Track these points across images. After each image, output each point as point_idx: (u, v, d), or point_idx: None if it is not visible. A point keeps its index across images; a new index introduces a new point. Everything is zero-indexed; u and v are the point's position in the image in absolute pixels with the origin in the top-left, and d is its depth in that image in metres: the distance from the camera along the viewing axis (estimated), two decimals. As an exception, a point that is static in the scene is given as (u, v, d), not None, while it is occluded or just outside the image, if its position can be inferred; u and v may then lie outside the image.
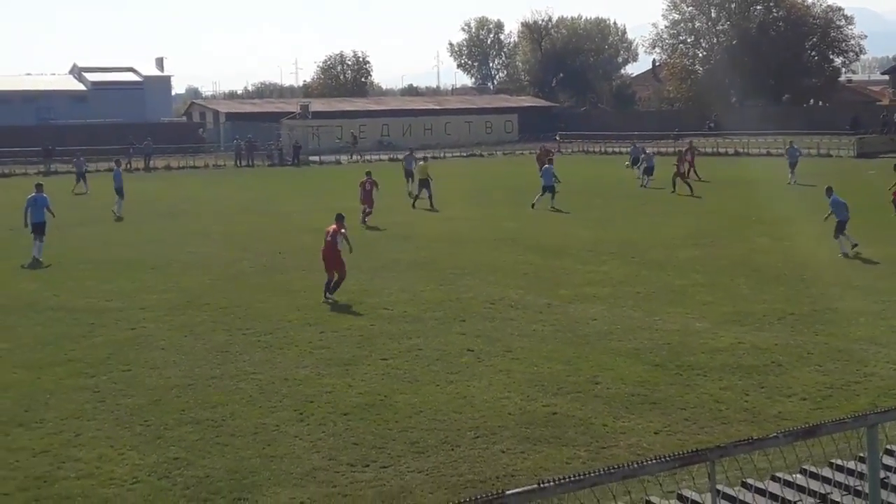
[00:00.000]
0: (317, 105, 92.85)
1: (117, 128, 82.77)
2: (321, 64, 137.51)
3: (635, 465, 4.58)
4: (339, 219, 21.96)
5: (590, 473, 4.54)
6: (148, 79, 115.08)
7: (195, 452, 11.90)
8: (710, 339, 16.66)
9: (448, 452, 11.76)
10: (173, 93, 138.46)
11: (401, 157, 57.76)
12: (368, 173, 35.56)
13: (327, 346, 16.87)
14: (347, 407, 13.48)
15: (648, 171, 45.68)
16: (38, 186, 28.64)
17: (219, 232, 32.89)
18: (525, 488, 4.42)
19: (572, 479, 4.45)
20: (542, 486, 4.38)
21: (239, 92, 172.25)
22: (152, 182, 58.01)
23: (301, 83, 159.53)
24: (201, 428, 12.78)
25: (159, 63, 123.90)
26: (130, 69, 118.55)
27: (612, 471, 4.50)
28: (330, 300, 20.61)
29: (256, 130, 79.67)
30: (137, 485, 11.00)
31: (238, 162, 72.24)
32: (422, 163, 42.08)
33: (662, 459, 4.66)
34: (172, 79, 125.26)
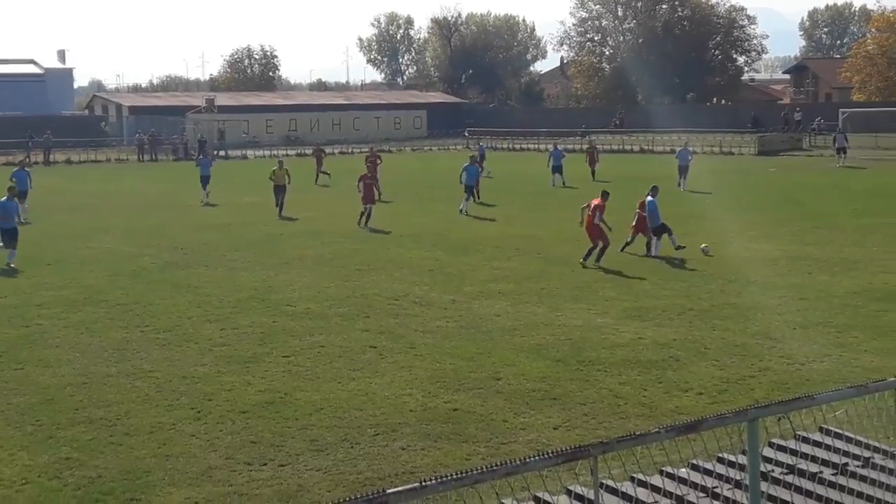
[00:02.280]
0: (223, 99, 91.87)
1: (16, 121, 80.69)
2: (228, 58, 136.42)
3: (518, 462, 4.55)
4: (605, 196, 24.34)
5: (472, 471, 4.49)
6: (49, 71, 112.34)
7: (88, 452, 11.62)
8: (612, 335, 16.81)
9: (347, 450, 11.66)
10: (76, 85, 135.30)
11: (308, 152, 57.54)
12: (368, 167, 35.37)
13: (228, 344, 16.63)
14: (246, 405, 13.30)
15: (557, 169, 45.74)
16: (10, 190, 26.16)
17: (120, 227, 32.27)
18: (406, 487, 4.35)
19: (454, 476, 4.40)
20: (423, 484, 4.32)
21: (143, 85, 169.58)
22: (52, 176, 56.65)
23: (208, 77, 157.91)
24: (95, 427, 12.49)
25: (61, 55, 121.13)
26: (31, 61, 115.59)
27: (495, 468, 4.46)
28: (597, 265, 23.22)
29: (161, 124, 78.46)
30: (27, 486, 10.70)
31: (141, 156, 71.05)
32: (275, 168, 36.63)
33: (546, 456, 4.63)
34: (75, 71, 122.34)
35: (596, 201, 24.04)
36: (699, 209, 33.89)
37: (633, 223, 25.35)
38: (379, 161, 42.76)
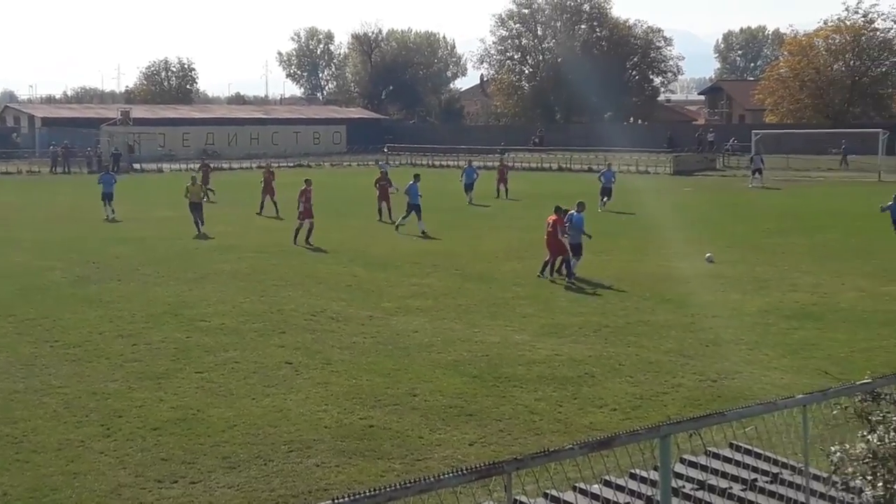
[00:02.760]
0: (139, 111, 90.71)
1: (-76, 131, 78.74)
2: (144, 70, 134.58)
3: (432, 479, 4.51)
4: (557, 209, 24.44)
5: (386, 488, 4.44)
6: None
7: (-8, 471, 11.30)
8: (528, 351, 16.87)
9: (261, 467, 11.51)
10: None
11: (226, 166, 56.99)
12: (308, 181, 32.54)
13: (140, 360, 16.33)
14: (158, 421, 13.06)
15: (470, 186, 45.33)
16: None
17: (30, 240, 31.58)
18: (316, 505, 4.30)
19: (368, 494, 4.35)
20: (335, 502, 4.26)
21: (57, 97, 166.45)
22: (-39, 187, 55.34)
23: (123, 89, 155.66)
24: (0, 444, 12.16)
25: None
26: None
27: (409, 485, 4.42)
28: (556, 279, 23.76)
29: (75, 136, 77.09)
30: (-74, 507, 10.38)
31: (54, 168, 69.72)
32: (189, 184, 35.54)
33: (460, 473, 4.60)
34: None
35: (552, 218, 24.10)
36: (615, 228, 34.26)
37: (546, 240, 24.49)
38: (272, 178, 41.30)
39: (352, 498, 4.29)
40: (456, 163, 75.85)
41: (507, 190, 48.31)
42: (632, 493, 7.01)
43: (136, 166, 71.74)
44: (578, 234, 24.57)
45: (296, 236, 30.61)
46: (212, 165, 53.60)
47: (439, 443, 12.35)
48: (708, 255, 26.80)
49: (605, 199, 41.65)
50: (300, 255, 28.15)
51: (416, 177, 35.70)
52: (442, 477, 4.56)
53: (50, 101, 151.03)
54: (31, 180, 63.05)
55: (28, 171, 69.16)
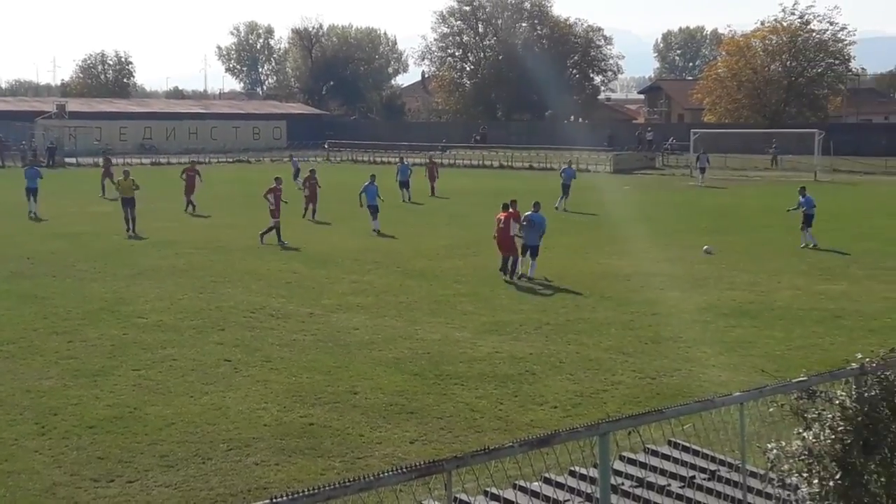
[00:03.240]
0: (75, 105, 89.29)
1: None
2: (81, 63, 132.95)
3: (372, 478, 4.49)
4: (506, 206, 24.06)
5: (325, 486, 4.41)
6: None
7: (-78, 471, 11.07)
8: (469, 349, 16.89)
9: (199, 466, 11.39)
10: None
11: (164, 160, 56.24)
12: (278, 179, 31.48)
13: (75, 357, 16.09)
14: (94, 420, 12.88)
15: (405, 184, 45.25)
16: None
17: (-37, 235, 31.01)
18: (255, 505, 4.25)
19: (306, 493, 4.31)
20: (273, 501, 4.22)
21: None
22: None
23: (59, 82, 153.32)
24: (-70, 444, 11.92)
25: None
26: None
27: (348, 484, 4.39)
28: (514, 280, 23.34)
29: (8, 129, 75.75)
30: None
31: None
32: (121, 178, 34.13)
33: (399, 471, 4.58)
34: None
35: (503, 215, 23.88)
36: (556, 225, 34.39)
37: (496, 237, 24.04)
38: (198, 175, 39.99)
39: (290, 497, 4.25)
40: (397, 160, 75.80)
41: (433, 188, 47.91)
42: (571, 490, 7.04)
43: (71, 160, 70.58)
44: (537, 236, 24.18)
45: (264, 235, 29.82)
46: (113, 161, 52.03)
47: (380, 441, 12.31)
48: (706, 247, 28.14)
49: (563, 197, 41.28)
50: (239, 252, 27.92)
51: (373, 177, 35.06)
52: (382, 475, 4.54)
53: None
54: (-36, 174, 61.79)
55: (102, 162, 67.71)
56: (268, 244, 29.19)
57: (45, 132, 75.74)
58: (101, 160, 52.88)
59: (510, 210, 24.02)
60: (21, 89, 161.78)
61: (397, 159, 51.93)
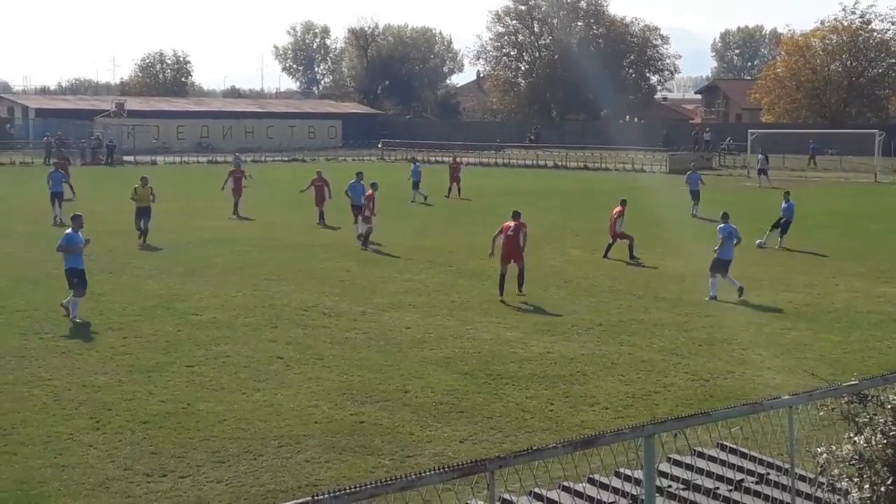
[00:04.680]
0: (134, 104, 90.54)
1: (-82, 121, 78.49)
2: (139, 62, 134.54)
3: (414, 476, 4.49)
4: (518, 215, 22.25)
5: (367, 485, 4.42)
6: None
7: (-20, 463, 11.27)
8: (520, 349, 16.85)
9: (250, 462, 11.48)
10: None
11: (221, 159, 56.49)
12: (319, 172, 31.73)
13: (130, 353, 16.29)
14: (147, 415, 13.03)
15: (416, 185, 44.28)
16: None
17: (23, 232, 31.50)
18: (297, 501, 4.27)
19: (348, 490, 4.32)
20: (315, 498, 4.24)
21: (52, 87, 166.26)
22: (-45, 178, 55.21)
23: (118, 81, 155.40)
24: (-11, 437, 12.13)
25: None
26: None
27: (390, 482, 4.40)
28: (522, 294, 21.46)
29: (68, 127, 76.96)
30: (-87, 498, 10.34)
31: (48, 159, 69.48)
32: (137, 186, 30.48)
33: (442, 470, 4.58)
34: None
35: (514, 223, 21.80)
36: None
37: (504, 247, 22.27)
38: (244, 177, 37.91)
39: (333, 494, 4.27)
40: (451, 159, 75.86)
41: (459, 189, 46.24)
42: (617, 491, 7.00)
43: (129, 158, 71.52)
44: (732, 249, 22.08)
45: (366, 239, 28.98)
46: (71, 161, 49.04)
47: (430, 439, 12.33)
48: (758, 241, 28.67)
49: (695, 204, 38.49)
50: (293, 250, 28.10)
51: (360, 175, 32.87)
52: (424, 474, 4.54)
53: (44, 92, 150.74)
54: (25, 171, 62.80)
55: (21, 161, 68.92)
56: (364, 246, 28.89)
57: (104, 130, 76.78)
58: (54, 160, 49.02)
59: (520, 220, 22.04)
60: (81, 88, 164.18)
61: (410, 159, 51.00)
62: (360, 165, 69.51)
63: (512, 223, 21.87)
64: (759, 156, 57.33)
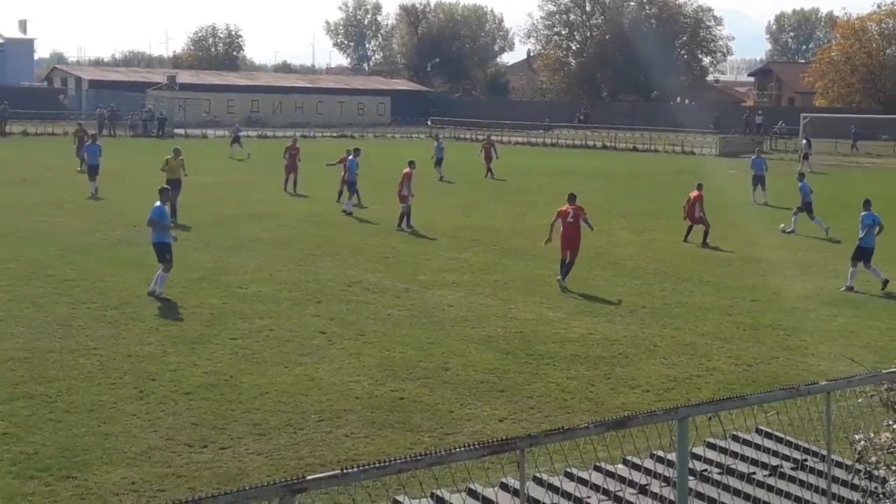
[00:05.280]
0: (185, 77, 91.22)
1: (-28, 90, 79.50)
2: (192, 36, 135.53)
3: (443, 452, 4.50)
4: (574, 198, 21.06)
5: (396, 460, 4.43)
6: (8, 41, 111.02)
7: (26, 428, 11.46)
8: (563, 329, 16.82)
9: (290, 435, 11.58)
10: (36, 57, 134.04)
11: (271, 133, 56.75)
12: (412, 162, 29.59)
13: (175, 324, 16.47)
14: (190, 386, 13.17)
15: (439, 162, 44.03)
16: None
17: (73, 202, 31.92)
18: (326, 473, 4.30)
19: (377, 465, 4.34)
20: (344, 471, 4.26)
21: (105, 59, 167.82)
22: (6, 148, 55.96)
23: (171, 54, 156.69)
24: (34, 403, 12.32)
25: (22, 25, 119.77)
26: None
27: (419, 458, 4.41)
28: (563, 284, 20.13)
29: (121, 99, 77.69)
30: (-40, 461, 10.53)
31: (100, 131, 70.26)
32: (169, 157, 30.03)
33: (472, 447, 4.59)
34: (35, 42, 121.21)
35: (571, 207, 20.82)
36: (656, 207, 34.01)
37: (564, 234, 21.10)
38: (297, 154, 36.98)
39: (361, 467, 4.29)
40: (499, 138, 75.77)
41: (490, 170, 45.28)
42: (650, 473, 6.97)
43: (180, 131, 72.00)
44: (872, 237, 21.16)
45: (402, 222, 28.05)
46: (89, 132, 46.06)
47: (469, 417, 12.36)
48: (783, 225, 29.05)
49: (758, 188, 37.73)
50: (339, 226, 28.23)
51: (356, 151, 32.64)
52: (453, 450, 4.54)
53: (98, 63, 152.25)
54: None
55: (74, 132, 69.59)
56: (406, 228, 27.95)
57: (155, 103, 77.40)
58: (75, 131, 48.01)
59: (576, 203, 21.00)
60: (134, 60, 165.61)
61: (433, 137, 50.26)
62: (408, 143, 69.65)
63: (570, 208, 20.79)
64: (803, 140, 56.64)
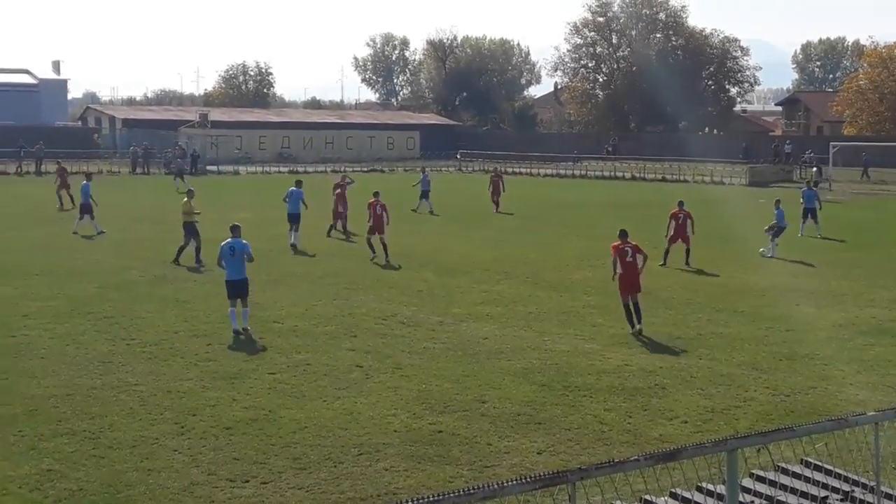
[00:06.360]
0: (216, 114, 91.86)
1: (9, 130, 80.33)
2: (223, 73, 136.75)
3: (496, 486, 4.56)
4: (625, 234, 19.75)
5: (450, 494, 4.50)
6: (43, 81, 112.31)
7: (70, 464, 11.60)
8: (598, 361, 16.83)
9: (331, 469, 11.65)
10: (70, 97, 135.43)
11: (301, 169, 56.99)
12: (377, 194, 29.36)
13: (214, 359, 16.60)
14: (230, 421, 13.28)
15: (425, 195, 43.43)
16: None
17: (109, 239, 32.24)
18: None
19: (430, 498, 4.40)
20: (402, 505, 4.33)
21: (138, 98, 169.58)
22: (42, 186, 56.46)
23: (202, 91, 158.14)
24: (77, 439, 12.47)
25: (56, 66, 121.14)
26: (25, 71, 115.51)
27: (472, 492, 4.47)
28: (637, 330, 18.83)
29: (154, 138, 78.43)
30: (7, 497, 10.68)
31: (134, 169, 70.96)
32: (186, 198, 28.27)
33: (523, 481, 4.65)
34: (69, 82, 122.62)
35: (627, 244, 19.63)
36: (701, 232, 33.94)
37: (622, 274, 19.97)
38: (344, 191, 35.23)
39: (415, 501, 4.35)
40: (528, 171, 75.94)
41: (497, 204, 43.81)
42: (698, 506, 6.99)
43: (213, 168, 72.52)
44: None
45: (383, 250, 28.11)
46: (68, 170, 46.12)
47: (508, 450, 12.38)
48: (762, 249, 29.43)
49: (808, 221, 35.65)
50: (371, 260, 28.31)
51: (299, 183, 32.43)
52: (506, 484, 4.61)
53: (131, 102, 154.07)
54: (112, 180, 64.06)
55: (109, 171, 70.33)
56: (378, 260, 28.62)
57: (188, 140, 78.10)
58: (55, 170, 46.66)
59: (629, 240, 19.82)
60: (166, 99, 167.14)
61: (419, 169, 49.20)
62: (438, 176, 69.82)
63: (628, 247, 19.47)
64: (813, 169, 56.27)
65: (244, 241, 19.78)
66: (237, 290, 19.01)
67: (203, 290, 23.10)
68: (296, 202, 31.25)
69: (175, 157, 66.65)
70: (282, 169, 73.26)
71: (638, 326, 18.94)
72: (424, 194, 43.46)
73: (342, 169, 66.71)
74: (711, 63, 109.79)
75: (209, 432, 12.83)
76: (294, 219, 31.06)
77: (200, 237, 27.46)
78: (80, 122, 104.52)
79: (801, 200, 36.71)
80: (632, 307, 19.16)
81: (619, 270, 19.39)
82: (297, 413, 13.70)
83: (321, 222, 34.35)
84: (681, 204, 28.44)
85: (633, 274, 19.41)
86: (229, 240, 19.67)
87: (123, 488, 10.96)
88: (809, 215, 35.76)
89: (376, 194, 29.31)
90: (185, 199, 28.31)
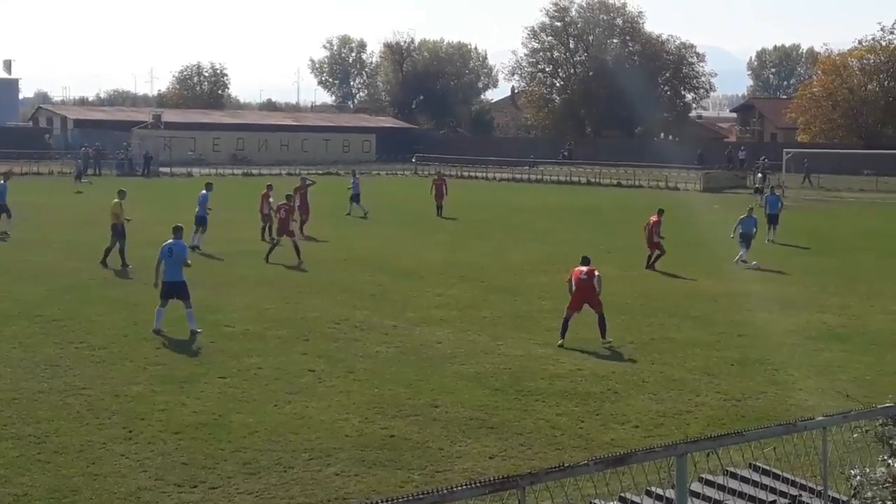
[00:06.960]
0: (170, 115, 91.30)
1: (-43, 130, 79.41)
2: (177, 74, 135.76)
3: (445, 491, 4.50)
4: (588, 261, 19.33)
5: (399, 498, 4.43)
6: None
7: (14, 469, 11.39)
8: (551, 365, 16.82)
9: (280, 474, 11.53)
10: (21, 96, 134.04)
11: (256, 171, 56.60)
12: (288, 197, 30.01)
13: (163, 363, 16.41)
14: (179, 426, 13.11)
15: (356, 198, 42.75)
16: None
17: (59, 241, 31.83)
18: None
19: (380, 502, 4.34)
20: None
21: (91, 98, 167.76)
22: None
23: (156, 92, 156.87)
24: (23, 444, 12.24)
25: (7, 65, 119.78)
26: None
27: (421, 496, 4.41)
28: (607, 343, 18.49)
29: (106, 138, 77.70)
30: (-52, 504, 10.45)
31: (85, 170, 70.19)
32: (117, 199, 27.72)
33: (473, 486, 4.59)
34: (21, 82, 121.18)
35: (587, 269, 19.11)
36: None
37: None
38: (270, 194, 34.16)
39: (365, 508, 4.28)
40: (484, 174, 76.03)
41: (439, 207, 43.44)
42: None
43: (166, 170, 71.99)
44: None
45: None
46: (11, 176, 41.14)
47: (460, 455, 12.33)
48: (754, 263, 29.24)
49: (772, 228, 35.61)
50: (325, 264, 28.17)
51: (209, 185, 32.51)
52: (455, 489, 4.55)
53: (83, 103, 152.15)
54: (63, 181, 63.32)
55: (59, 171, 69.54)
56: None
57: (140, 142, 77.45)
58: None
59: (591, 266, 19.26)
60: (119, 99, 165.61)
61: (349, 172, 48.92)
62: (394, 179, 69.78)
63: (584, 269, 19.08)
64: (759, 174, 56.73)
65: (184, 244, 19.81)
66: (172, 291, 18.94)
67: (153, 293, 22.74)
68: (202, 205, 31.25)
69: (76, 159, 67.90)
70: (236, 171, 72.82)
71: (607, 340, 18.56)
72: (355, 198, 42.62)
73: (297, 172, 66.51)
74: (667, 69, 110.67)
75: (158, 437, 12.66)
76: (200, 221, 30.98)
77: (126, 239, 27.03)
78: (31, 123, 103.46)
79: (764, 206, 36.91)
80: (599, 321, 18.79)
81: (573, 288, 19.03)
82: (247, 418, 13.56)
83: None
84: (660, 212, 29.25)
85: (585, 288, 18.86)
86: (170, 241, 19.43)
87: (69, 493, 10.78)
88: (772, 222, 35.77)
89: (288, 197, 30.58)
90: (116, 199, 27.86)
